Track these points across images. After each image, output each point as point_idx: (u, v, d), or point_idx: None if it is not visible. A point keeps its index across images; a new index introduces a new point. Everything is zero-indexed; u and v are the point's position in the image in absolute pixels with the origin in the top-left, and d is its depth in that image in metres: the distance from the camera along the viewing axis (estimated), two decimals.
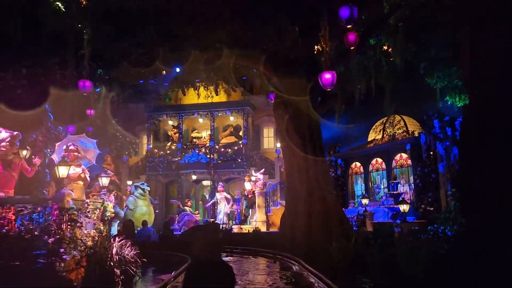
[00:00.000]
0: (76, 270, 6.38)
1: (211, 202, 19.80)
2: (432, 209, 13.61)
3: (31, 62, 16.41)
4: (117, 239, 8.14)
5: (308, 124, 12.23)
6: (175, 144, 23.30)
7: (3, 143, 7.14)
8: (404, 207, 11.69)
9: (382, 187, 17.63)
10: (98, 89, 20.76)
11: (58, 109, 16.31)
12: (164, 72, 19.77)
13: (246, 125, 22.71)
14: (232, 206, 22.88)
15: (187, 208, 20.76)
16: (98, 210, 8.38)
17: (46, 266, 5.50)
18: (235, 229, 18.24)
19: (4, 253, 5.53)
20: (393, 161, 17.40)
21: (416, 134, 16.86)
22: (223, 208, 19.14)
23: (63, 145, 8.96)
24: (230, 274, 2.96)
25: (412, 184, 15.72)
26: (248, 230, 17.03)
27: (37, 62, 16.61)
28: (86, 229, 7.78)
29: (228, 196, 19.51)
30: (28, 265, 5.32)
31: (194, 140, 23.73)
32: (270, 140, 24.41)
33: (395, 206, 13.17)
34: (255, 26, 11.25)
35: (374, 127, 19.36)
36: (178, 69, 19.96)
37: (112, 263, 7.52)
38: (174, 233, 18.92)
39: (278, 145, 22.49)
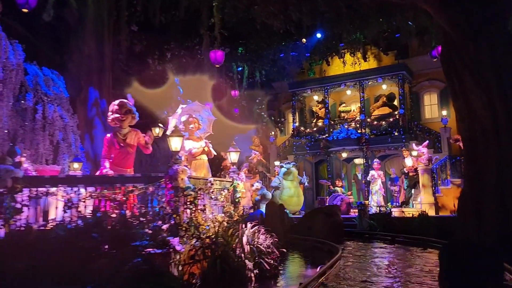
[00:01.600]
0: (193, 264, 5.13)
1: (368, 177, 17.44)
2: None
3: (173, 45, 16.60)
4: (249, 224, 6.74)
5: (495, 69, 9.01)
6: (321, 120, 21.49)
7: (113, 115, 6.41)
8: None
9: None
10: (240, 68, 20.25)
11: (200, 90, 16.08)
12: (304, 40, 18.08)
13: (402, 92, 19.50)
14: (391, 186, 20.20)
15: (338, 189, 18.88)
16: (226, 190, 7.13)
17: (149, 259, 4.32)
18: (396, 212, 15.62)
19: (109, 243, 4.56)
20: None
21: None
22: (378, 188, 16.64)
23: (181, 115, 7.93)
24: None
25: None
26: (413, 214, 14.28)
27: (178, 44, 16.74)
28: (212, 213, 6.55)
29: (383, 177, 16.92)
30: (127, 258, 4.20)
31: (342, 114, 21.53)
32: (433, 109, 20.66)
33: None
34: None
35: None
36: (319, 35, 18.05)
37: (243, 255, 6.14)
38: None
39: (444, 113, 18.80)
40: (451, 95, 10.00)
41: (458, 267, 4.46)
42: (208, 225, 5.90)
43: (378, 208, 15.16)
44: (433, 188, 15.95)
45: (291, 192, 17.93)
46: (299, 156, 21.82)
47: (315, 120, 22.16)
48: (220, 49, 11.43)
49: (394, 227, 13.92)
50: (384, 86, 20.61)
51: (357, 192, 21.60)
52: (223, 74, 19.88)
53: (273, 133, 22.95)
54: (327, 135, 20.68)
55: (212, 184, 6.44)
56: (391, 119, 19.46)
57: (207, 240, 5.54)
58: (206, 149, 7.65)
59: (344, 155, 20.50)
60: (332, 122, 21.09)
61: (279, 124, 22.55)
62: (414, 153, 17.09)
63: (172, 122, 8.00)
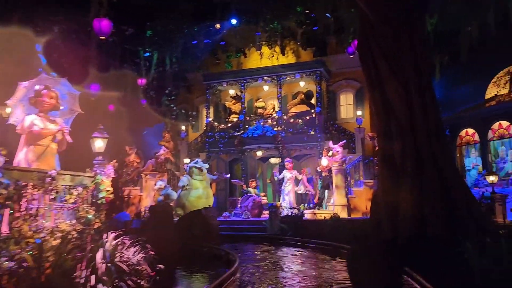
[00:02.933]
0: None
1: (280, 176, 16.39)
2: None
3: (62, 19, 14.16)
4: (110, 234, 5.04)
5: (414, 69, 8.26)
6: (236, 116, 20.18)
7: None
8: None
9: (510, 160, 12.97)
10: (148, 54, 18.23)
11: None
12: (219, 25, 16.62)
13: (319, 90, 18.86)
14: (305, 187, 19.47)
15: (251, 189, 17.63)
16: (81, 188, 5.34)
17: None
18: (308, 214, 14.75)
19: None
20: None
21: None
22: (291, 189, 15.66)
23: (33, 85, 5.90)
24: None
25: None
26: (325, 217, 13.45)
27: (68, 19, 14.34)
28: (55, 220, 4.75)
29: (299, 176, 15.96)
30: None
31: (259, 110, 20.41)
32: (348, 109, 20.34)
33: None
34: None
35: (495, 79, 14.47)
36: (234, 21, 16.71)
37: (93, 277, 4.43)
38: (234, 217, 15.95)
39: (359, 113, 18.46)
40: (367, 85, 9.13)
41: (360, 272, 4.49)
42: (40, 238, 4.11)
43: (290, 210, 14.12)
44: (346, 189, 15.34)
45: (200, 193, 16.32)
46: (212, 153, 20.31)
47: (231, 115, 20.78)
48: (106, 17, 9.50)
49: (306, 230, 13.01)
50: (302, 83, 19.86)
51: (273, 193, 20.61)
52: (127, 58, 17.73)
53: (184, 128, 21.17)
54: (242, 131, 19.42)
55: (54, 179, 4.66)
56: (307, 118, 18.70)
57: (30, 260, 3.77)
58: (59, 136, 5.64)
59: (259, 153, 19.38)
60: (248, 118, 19.89)
61: (191, 119, 20.83)
62: (330, 153, 16.42)
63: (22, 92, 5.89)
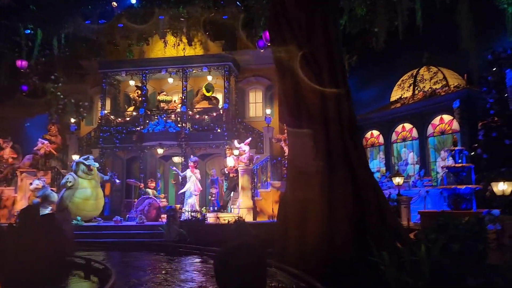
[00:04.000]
0: None
1: (182, 174, 14.92)
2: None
3: None
4: None
5: (328, 57, 7.47)
6: (136, 109, 18.26)
7: None
8: (503, 187, 7.12)
9: (411, 162, 13.05)
10: (29, 31, 15.58)
11: None
12: (115, 4, 14.67)
13: (227, 86, 17.77)
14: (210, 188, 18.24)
15: (149, 190, 15.92)
16: None
17: None
18: (211, 218, 13.53)
19: None
20: (429, 126, 12.84)
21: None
22: (193, 191, 14.30)
23: None
24: None
25: (463, 157, 11.16)
26: (228, 221, 12.35)
27: None
28: None
29: (198, 176, 14.62)
30: None
31: (162, 104, 18.70)
32: (257, 107, 19.56)
33: (459, 187, 8.61)
34: None
35: (400, 82, 14.60)
36: (133, 0, 14.88)
37: None
38: (128, 222, 14.15)
39: (268, 111, 17.75)
40: (277, 73, 8.14)
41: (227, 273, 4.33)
42: None
43: (191, 213, 12.76)
44: (253, 191, 14.44)
45: (88, 194, 14.27)
46: (107, 150, 18.12)
47: (131, 108, 18.78)
48: None
49: (207, 236, 11.78)
50: (209, 78, 18.60)
51: (176, 196, 19.02)
52: (2, 34, 14.93)
53: (74, 120, 18.65)
54: (142, 127, 17.57)
55: None
56: (214, 114, 17.50)
57: None
58: None
59: (160, 151, 17.68)
60: (149, 113, 18.07)
61: (82, 110, 18.39)
62: (236, 152, 15.40)
63: None
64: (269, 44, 13.39)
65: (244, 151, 14.02)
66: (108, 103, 20.01)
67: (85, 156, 14.86)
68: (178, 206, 14.21)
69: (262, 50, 15.38)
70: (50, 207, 13.14)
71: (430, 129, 12.99)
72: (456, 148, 8.83)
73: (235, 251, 4.53)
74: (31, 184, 13.54)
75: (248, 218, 13.39)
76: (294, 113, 7.66)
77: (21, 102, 17.57)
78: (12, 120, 17.80)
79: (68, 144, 18.62)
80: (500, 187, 7.61)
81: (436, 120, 12.79)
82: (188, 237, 11.62)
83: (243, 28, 18.64)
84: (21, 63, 16.20)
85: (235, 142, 14.59)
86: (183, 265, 8.98)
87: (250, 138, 15.08)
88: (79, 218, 13.42)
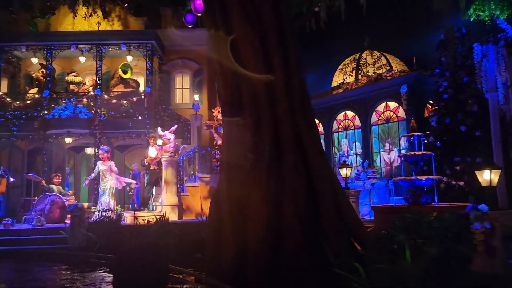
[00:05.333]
0: None
1: (90, 176, 12.63)
2: (462, 183, 8.42)
3: None
4: None
5: (275, 17, 5.97)
6: (37, 91, 15.47)
7: None
8: (489, 176, 6.06)
9: (353, 153, 12.08)
10: None
11: None
12: None
13: (150, 67, 15.66)
14: (129, 183, 16.10)
15: (54, 186, 13.40)
16: None
17: None
18: (128, 218, 11.51)
19: None
20: (373, 113, 11.96)
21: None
22: (108, 185, 12.10)
23: None
24: None
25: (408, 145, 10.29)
26: (148, 220, 10.45)
27: None
28: None
29: (115, 169, 12.44)
30: None
31: (71, 86, 16.08)
32: (184, 93, 17.68)
33: (419, 178, 7.57)
34: None
35: (341, 66, 13.56)
36: None
37: None
38: (24, 225, 11.64)
39: (196, 97, 15.94)
40: (210, 38, 6.45)
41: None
42: None
43: (102, 213, 10.64)
44: (178, 186, 12.63)
45: None
46: (2, 139, 15.16)
47: (34, 90, 15.91)
48: None
49: (123, 240, 9.81)
50: (129, 58, 16.32)
51: (89, 192, 16.52)
52: None
53: None
54: (46, 112, 14.88)
55: None
56: (134, 99, 15.32)
57: None
58: None
59: (69, 140, 15.14)
60: (55, 96, 15.40)
61: None
62: (160, 142, 13.47)
63: None
64: (199, 15, 11.66)
65: (169, 139, 12.17)
66: (5, 84, 16.92)
67: None
68: (86, 204, 11.99)
69: (190, 26, 13.53)
70: None
71: (374, 117, 12.15)
72: (415, 133, 7.84)
73: (132, 253, 4.31)
74: None
75: (173, 217, 11.59)
76: (231, 88, 6.08)
77: None
78: None
79: None
80: (486, 176, 6.66)
81: (381, 107, 11.97)
82: (98, 242, 9.57)
83: (168, 4, 16.70)
84: None
85: (159, 129, 12.66)
86: (87, 280, 7.03)
87: (176, 126, 13.22)
88: None
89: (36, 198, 12.93)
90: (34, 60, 16.20)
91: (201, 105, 16.23)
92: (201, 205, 10.61)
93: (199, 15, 11.29)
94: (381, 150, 11.75)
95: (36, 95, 15.39)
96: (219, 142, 13.61)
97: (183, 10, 16.74)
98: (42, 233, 10.44)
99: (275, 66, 5.75)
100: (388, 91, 11.54)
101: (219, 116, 14.81)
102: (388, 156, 11.10)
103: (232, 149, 5.92)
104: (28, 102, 15.22)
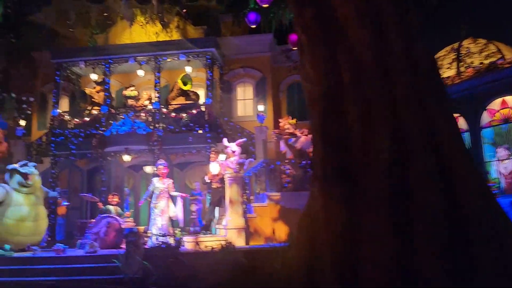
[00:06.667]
0: None
1: (145, 195, 11.36)
2: None
3: None
4: None
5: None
6: (97, 108, 14.78)
7: None
8: None
9: None
10: None
11: None
12: None
13: (210, 77, 14.45)
14: (191, 205, 14.77)
15: (111, 207, 12.29)
16: None
17: None
18: (189, 244, 10.04)
19: None
20: (484, 113, 9.71)
21: None
22: (166, 207, 10.69)
23: None
24: None
25: None
26: (212, 247, 8.89)
27: None
28: None
29: (172, 191, 11.01)
30: None
31: (129, 101, 15.26)
32: (247, 104, 16.28)
33: None
34: None
35: (437, 57, 11.49)
36: None
37: None
38: (78, 251, 10.54)
39: (261, 108, 14.48)
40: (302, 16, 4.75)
41: None
42: None
43: (159, 238, 9.24)
44: (244, 206, 11.01)
45: (24, 213, 10.68)
46: (61, 158, 14.54)
47: (90, 107, 15.29)
48: None
49: (183, 269, 8.35)
50: (188, 69, 15.24)
51: (149, 214, 15.41)
52: None
53: (23, 123, 15.08)
54: (104, 128, 14.08)
55: None
56: (194, 111, 14.12)
57: None
58: None
59: (127, 158, 14.17)
60: (113, 111, 14.59)
61: (25, 106, 14.85)
62: (223, 157, 12.01)
63: None
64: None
65: (234, 152, 10.64)
66: (65, 102, 16.55)
67: (22, 162, 11.29)
68: (142, 228, 10.70)
69: (253, 26, 12.13)
70: None
71: (485, 117, 9.86)
72: None
73: None
74: None
75: (239, 242, 9.93)
76: (327, 74, 4.35)
77: None
78: None
79: (12, 151, 14.98)
80: None
81: (495, 105, 9.69)
82: (155, 273, 8.12)
83: (228, 10, 15.57)
84: None
85: (224, 140, 11.19)
86: None
87: (245, 139, 11.75)
88: (7, 246, 9.78)
89: (93, 220, 11.90)
90: (93, 76, 15.63)
91: (266, 116, 14.74)
92: (273, 229, 8.87)
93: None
94: (495, 158, 9.40)
95: (94, 111, 14.67)
96: (290, 155, 11.91)
97: (244, 16, 15.50)
98: (94, 261, 9.20)
99: (388, 25, 3.96)
100: (505, 83, 9.27)
101: (287, 126, 13.19)
102: (505, 165, 8.80)
103: (331, 155, 4.14)
104: (87, 119, 14.53)
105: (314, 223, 4.26)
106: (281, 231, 10.40)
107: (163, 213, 10.56)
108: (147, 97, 14.77)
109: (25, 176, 10.79)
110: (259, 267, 7.93)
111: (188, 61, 14.87)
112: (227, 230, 10.35)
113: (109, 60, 14.70)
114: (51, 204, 12.02)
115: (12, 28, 14.68)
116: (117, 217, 11.34)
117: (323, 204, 4.03)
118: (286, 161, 11.37)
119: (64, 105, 16.12)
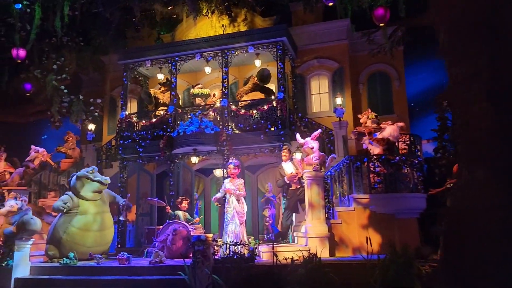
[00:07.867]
0: None
1: (215, 197, 10.16)
2: None
3: None
4: None
5: None
6: (164, 108, 14.06)
7: None
8: None
9: None
10: (21, 6, 11.98)
11: None
12: None
13: (281, 69, 13.09)
14: (264, 210, 13.63)
15: (179, 212, 11.34)
16: None
17: None
18: (264, 254, 8.68)
19: None
20: None
21: None
22: (235, 211, 9.38)
23: None
24: None
25: None
26: (292, 258, 7.44)
27: None
28: None
29: (242, 190, 9.69)
30: None
31: (197, 99, 14.37)
32: (323, 98, 14.69)
33: None
34: None
35: None
36: None
37: None
38: (143, 260, 9.62)
39: (339, 101, 12.86)
40: None
41: None
42: None
43: (232, 247, 7.98)
44: (327, 211, 9.45)
45: (89, 220, 10.02)
46: (130, 162, 14.00)
47: (157, 107, 14.65)
48: None
49: (259, 285, 7.02)
50: (257, 63, 14.06)
51: (219, 219, 14.36)
52: None
53: (92, 127, 14.83)
54: (171, 130, 13.29)
55: None
56: (265, 107, 12.83)
57: None
58: None
59: (195, 160, 13.24)
60: (180, 111, 13.78)
61: (93, 109, 14.52)
62: (298, 155, 10.61)
63: None
64: None
65: (312, 148, 9.15)
66: (134, 105, 16.17)
67: (89, 168, 10.70)
68: (210, 235, 9.53)
69: (330, 4, 10.60)
70: (31, 239, 8.94)
71: None
72: None
73: None
74: (2, 205, 9.48)
75: (323, 252, 8.36)
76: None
77: (21, 102, 14.03)
78: (8, 125, 14.30)
79: (83, 156, 14.77)
80: None
81: None
82: None
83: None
84: (17, 52, 12.60)
85: (298, 136, 9.76)
86: None
87: (320, 130, 10.24)
88: (71, 254, 9.12)
89: (160, 227, 11.01)
90: (160, 76, 15.03)
91: (345, 109, 13.06)
92: (368, 237, 7.23)
93: None
94: None
95: (161, 112, 13.96)
96: (377, 151, 10.16)
97: (315, 3, 14.02)
98: (159, 272, 8.16)
99: None
100: None
101: (368, 123, 11.46)
102: None
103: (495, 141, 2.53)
104: (154, 120, 13.85)
105: (466, 231, 2.67)
106: (372, 241, 8.71)
107: (234, 219, 9.27)
108: (219, 96, 13.74)
109: (99, 182, 10.21)
110: (354, 285, 6.41)
111: (257, 54, 13.70)
112: (308, 238, 8.83)
113: (175, 58, 13.94)
114: (120, 210, 11.33)
115: (80, 32, 14.51)
116: (185, 224, 10.32)
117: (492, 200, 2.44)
118: (374, 157, 9.63)
119: (132, 108, 15.71)
